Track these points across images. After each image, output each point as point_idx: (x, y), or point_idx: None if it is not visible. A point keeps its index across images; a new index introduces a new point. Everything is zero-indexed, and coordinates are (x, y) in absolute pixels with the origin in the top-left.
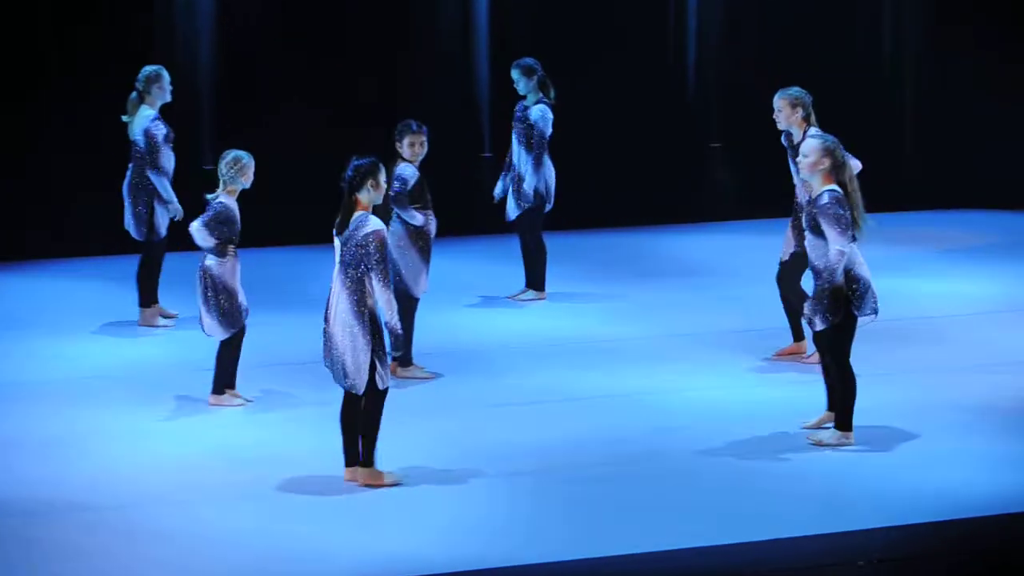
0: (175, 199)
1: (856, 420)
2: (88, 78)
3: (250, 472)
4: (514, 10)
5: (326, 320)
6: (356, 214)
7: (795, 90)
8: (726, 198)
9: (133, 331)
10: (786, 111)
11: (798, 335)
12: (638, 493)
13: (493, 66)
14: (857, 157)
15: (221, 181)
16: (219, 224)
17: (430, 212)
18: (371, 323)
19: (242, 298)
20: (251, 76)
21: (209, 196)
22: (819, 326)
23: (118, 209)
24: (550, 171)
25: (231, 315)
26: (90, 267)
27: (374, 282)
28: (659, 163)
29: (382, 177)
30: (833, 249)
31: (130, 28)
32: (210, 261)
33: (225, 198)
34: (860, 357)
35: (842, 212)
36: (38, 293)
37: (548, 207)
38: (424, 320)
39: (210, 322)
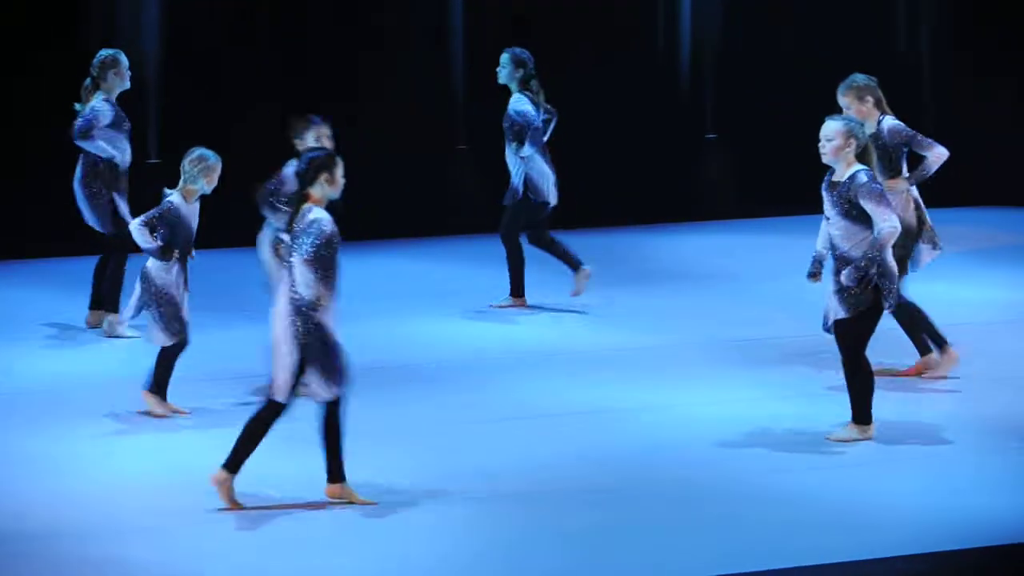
0: (114, 152)
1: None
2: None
3: (213, 494)
4: None
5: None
6: (303, 206)
7: (859, 78)
8: (724, 194)
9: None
10: (855, 105)
11: (923, 348)
12: (630, 520)
13: (468, 56)
14: None
15: (181, 179)
16: (163, 224)
17: None
18: (305, 321)
19: (185, 311)
20: (204, 66)
21: (167, 191)
22: (842, 314)
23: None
24: (541, 171)
25: (171, 325)
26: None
27: (297, 263)
28: (650, 157)
29: (339, 171)
30: (887, 225)
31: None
32: (151, 263)
33: (177, 198)
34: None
35: (882, 187)
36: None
37: (549, 207)
38: (393, 328)
39: (153, 329)
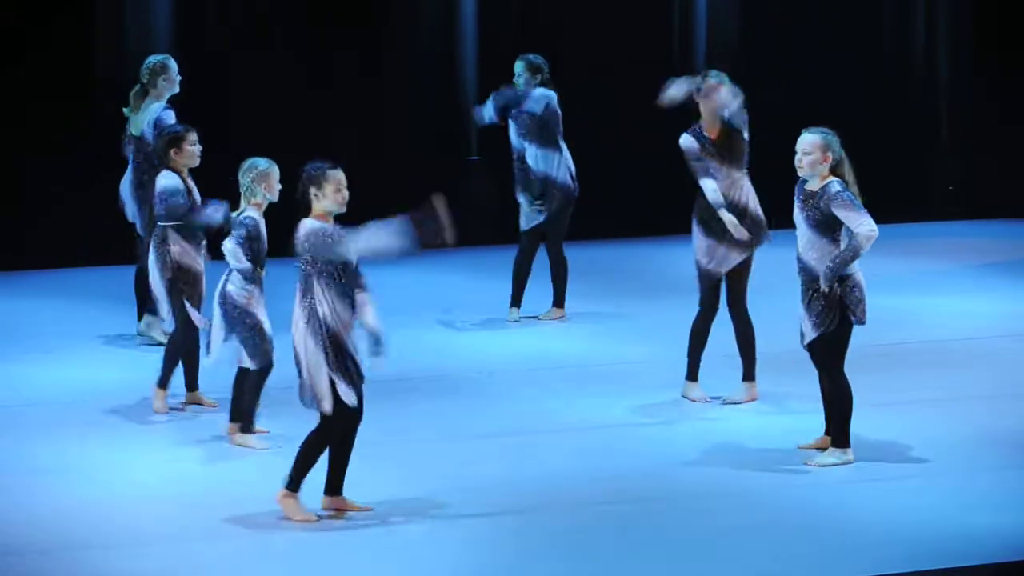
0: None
1: (878, 452)
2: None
3: (224, 508)
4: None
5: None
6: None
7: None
8: None
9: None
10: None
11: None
12: (636, 538)
13: (481, 61)
14: (884, 162)
15: (242, 195)
16: (250, 242)
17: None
18: (325, 335)
19: (267, 326)
20: (220, 74)
21: (234, 214)
22: (813, 334)
23: (108, 215)
24: (570, 161)
25: (259, 345)
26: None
27: (316, 285)
28: (663, 166)
29: (337, 181)
30: (863, 228)
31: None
32: (231, 287)
33: (253, 211)
34: (882, 384)
35: (855, 196)
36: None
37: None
38: (402, 341)
39: (241, 353)
